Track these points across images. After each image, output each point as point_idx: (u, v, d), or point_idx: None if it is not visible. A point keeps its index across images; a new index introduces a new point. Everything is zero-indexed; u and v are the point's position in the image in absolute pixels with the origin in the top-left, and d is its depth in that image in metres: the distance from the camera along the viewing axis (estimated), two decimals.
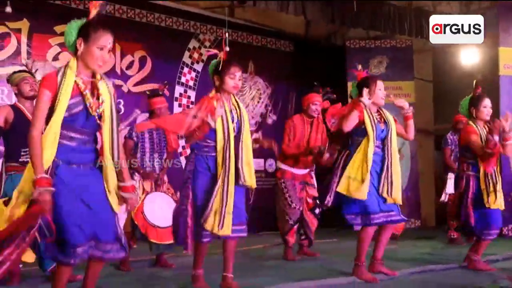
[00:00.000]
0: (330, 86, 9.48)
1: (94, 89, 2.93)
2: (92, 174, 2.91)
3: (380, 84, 4.50)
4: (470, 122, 4.98)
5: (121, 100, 7.62)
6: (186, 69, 8.62)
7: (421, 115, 9.73)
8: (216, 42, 8.89)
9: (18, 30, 6.94)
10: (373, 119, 4.36)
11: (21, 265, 4.28)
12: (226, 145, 3.74)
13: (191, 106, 8.58)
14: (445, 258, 5.60)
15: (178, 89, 8.51)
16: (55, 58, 7.11)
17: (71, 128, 2.85)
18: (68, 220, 2.75)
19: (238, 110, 3.94)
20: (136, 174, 5.18)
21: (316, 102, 5.72)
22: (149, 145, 5.33)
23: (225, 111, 3.81)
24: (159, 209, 5.04)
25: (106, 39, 2.89)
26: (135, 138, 5.30)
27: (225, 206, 3.67)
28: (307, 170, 5.75)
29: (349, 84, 9.42)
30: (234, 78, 3.84)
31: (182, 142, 8.38)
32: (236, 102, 3.99)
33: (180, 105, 8.47)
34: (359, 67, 4.83)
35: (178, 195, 5.52)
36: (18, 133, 4.30)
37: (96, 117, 2.89)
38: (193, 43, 8.73)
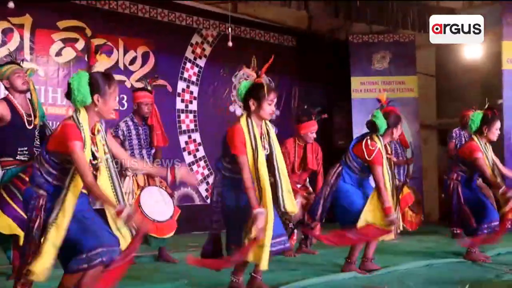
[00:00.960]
0: (333, 81, 9.59)
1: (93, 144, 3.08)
2: None
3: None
4: (475, 139, 5.15)
5: (124, 96, 7.62)
6: (189, 64, 8.62)
7: (424, 110, 9.73)
8: (219, 37, 8.88)
9: (21, 26, 6.93)
10: None
11: None
12: (257, 174, 3.66)
13: (193, 101, 8.59)
14: (448, 253, 5.60)
15: (181, 85, 8.50)
16: (58, 54, 7.11)
17: None
18: None
19: (267, 136, 3.84)
20: (129, 170, 5.15)
21: (314, 130, 5.81)
22: (136, 142, 5.30)
23: (255, 137, 3.71)
24: (156, 203, 5.03)
25: (117, 89, 3.10)
26: (121, 136, 5.25)
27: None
28: (299, 186, 5.89)
29: (352, 79, 9.44)
30: (272, 104, 3.75)
31: (184, 137, 8.41)
32: (267, 128, 3.87)
33: (182, 101, 8.47)
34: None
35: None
36: (11, 128, 4.29)
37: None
38: (195, 38, 8.72)
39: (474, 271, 4.57)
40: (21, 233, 3.87)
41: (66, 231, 2.91)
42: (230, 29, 8.04)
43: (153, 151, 5.43)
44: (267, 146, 3.80)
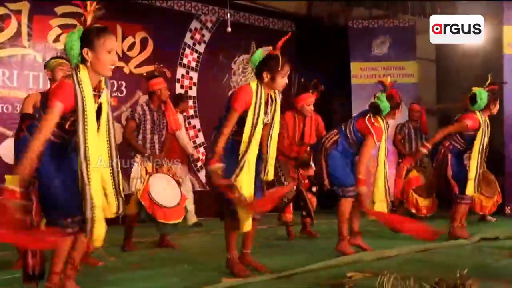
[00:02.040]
0: (332, 66, 9.54)
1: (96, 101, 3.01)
2: None
3: None
4: (477, 113, 5.39)
5: (123, 82, 7.59)
6: (188, 50, 8.58)
7: (424, 95, 9.69)
8: (218, 23, 8.83)
9: (19, 12, 6.89)
10: None
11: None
12: (250, 138, 3.72)
13: (193, 87, 8.57)
14: (447, 237, 5.62)
15: (180, 71, 8.47)
16: (56, 40, 7.07)
17: None
18: None
19: (274, 105, 3.90)
20: (137, 155, 5.21)
21: (310, 103, 5.78)
22: (150, 126, 5.35)
23: (261, 102, 3.76)
24: (163, 190, 5.06)
25: (112, 42, 2.97)
26: (137, 119, 5.32)
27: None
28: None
29: (352, 64, 9.40)
30: (285, 77, 3.79)
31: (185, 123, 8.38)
32: (274, 96, 3.92)
33: (182, 87, 8.45)
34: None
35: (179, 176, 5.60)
36: None
37: None
38: (194, 24, 8.68)
39: (473, 256, 4.58)
40: None
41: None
42: (229, 14, 7.98)
43: (163, 138, 5.46)
44: (270, 113, 3.88)
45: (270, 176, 3.90)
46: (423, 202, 7.18)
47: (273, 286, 3.45)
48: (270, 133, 3.89)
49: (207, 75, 8.77)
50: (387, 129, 4.80)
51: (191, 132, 8.47)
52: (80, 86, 2.87)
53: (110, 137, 3.03)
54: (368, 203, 4.71)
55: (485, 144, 5.43)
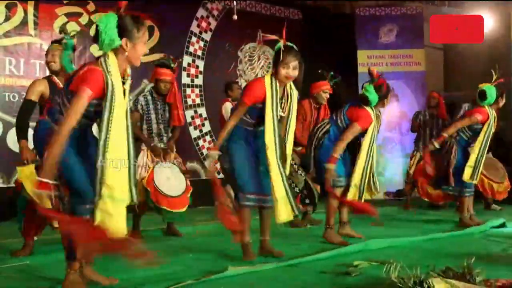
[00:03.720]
0: (339, 54, 9.50)
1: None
2: None
3: None
4: (487, 107, 5.53)
5: (129, 70, 7.57)
6: (194, 39, 8.56)
7: (431, 83, 9.64)
8: (224, 11, 8.79)
9: (25, 0, 6.89)
10: None
11: (36, 237, 4.31)
12: (274, 130, 3.77)
13: (199, 76, 8.55)
14: (454, 226, 5.62)
15: (186, 59, 8.45)
16: (62, 29, 7.04)
17: None
18: None
19: (289, 100, 3.93)
20: (143, 144, 5.19)
21: (326, 90, 5.86)
22: (154, 116, 5.31)
23: (277, 95, 3.81)
24: (167, 179, 5.05)
25: (147, 34, 3.03)
26: (140, 110, 5.27)
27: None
28: None
29: (359, 52, 9.35)
30: (288, 68, 3.79)
31: (190, 112, 8.38)
32: (290, 91, 3.94)
33: (188, 75, 8.43)
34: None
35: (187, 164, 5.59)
36: None
37: None
38: (201, 12, 8.65)
39: (480, 244, 4.57)
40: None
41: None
42: (235, 2, 7.96)
43: (170, 128, 5.44)
44: (285, 108, 3.92)
45: (286, 170, 3.93)
46: (434, 191, 7.18)
47: (280, 274, 3.45)
48: (287, 128, 3.93)
49: (213, 64, 8.75)
50: (379, 117, 4.86)
51: (198, 121, 8.47)
52: (110, 73, 2.85)
53: (128, 123, 3.03)
54: (330, 182, 4.62)
55: (490, 135, 5.56)
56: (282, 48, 3.82)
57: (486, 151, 5.61)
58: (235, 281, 3.26)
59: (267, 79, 3.83)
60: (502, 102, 5.67)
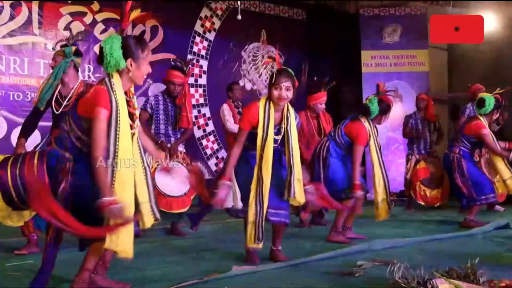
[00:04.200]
0: (343, 54, 9.50)
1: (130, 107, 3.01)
2: None
3: None
4: (481, 118, 5.61)
5: None
6: (198, 38, 8.56)
7: (435, 84, 9.63)
8: (228, 10, 8.80)
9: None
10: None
11: (35, 236, 4.32)
12: (261, 153, 3.80)
13: (203, 75, 8.55)
14: (458, 227, 5.61)
15: (190, 58, 8.45)
16: (66, 28, 7.07)
17: None
18: None
19: (286, 122, 3.90)
20: None
21: (323, 101, 5.95)
22: (163, 117, 5.35)
23: (269, 119, 3.82)
24: (170, 179, 5.04)
25: (150, 53, 3.03)
26: (149, 110, 5.31)
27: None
28: None
29: (363, 52, 9.34)
30: (280, 89, 3.80)
31: (193, 112, 8.39)
32: (288, 114, 3.93)
33: (192, 75, 8.43)
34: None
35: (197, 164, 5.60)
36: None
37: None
38: (205, 12, 8.65)
39: (484, 245, 4.56)
40: None
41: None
42: (239, 2, 7.96)
43: (181, 130, 5.46)
44: (283, 131, 3.90)
45: (298, 197, 3.85)
46: (431, 193, 7.19)
47: (283, 274, 3.45)
48: (290, 152, 3.86)
49: (217, 63, 8.75)
50: (375, 131, 4.97)
51: (201, 121, 8.48)
52: (114, 92, 2.86)
53: (139, 142, 3.07)
54: (360, 206, 4.87)
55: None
56: (275, 71, 3.88)
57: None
58: (238, 281, 3.26)
59: (262, 102, 3.88)
60: (495, 116, 5.73)
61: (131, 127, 2.93)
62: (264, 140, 3.78)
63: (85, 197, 2.81)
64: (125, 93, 2.97)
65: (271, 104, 3.84)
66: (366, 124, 4.84)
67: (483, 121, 5.60)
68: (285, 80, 3.80)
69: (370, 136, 4.83)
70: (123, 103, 2.88)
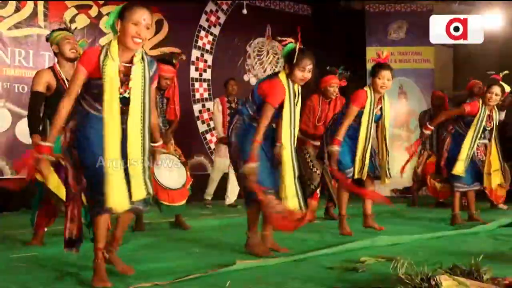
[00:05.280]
0: (348, 51, 9.48)
1: (126, 74, 2.98)
2: None
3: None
4: (480, 101, 5.62)
5: None
6: (203, 33, 8.56)
7: (440, 81, 9.61)
8: (233, 5, 8.79)
9: None
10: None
11: (46, 229, 4.33)
12: (292, 125, 3.84)
13: (207, 70, 8.55)
14: (461, 225, 5.60)
15: (195, 53, 8.46)
16: (72, 21, 7.08)
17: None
18: None
19: (299, 98, 3.95)
20: None
21: (333, 84, 5.89)
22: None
23: (294, 96, 3.87)
24: (168, 171, 5.05)
25: (140, 15, 2.96)
26: None
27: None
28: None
29: (368, 49, 9.33)
30: (304, 71, 3.82)
31: (198, 106, 8.40)
32: (298, 91, 3.96)
33: (196, 69, 8.44)
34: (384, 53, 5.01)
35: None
36: (57, 97, 4.22)
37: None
38: (210, 6, 8.64)
39: (487, 243, 4.55)
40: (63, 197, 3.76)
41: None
42: None
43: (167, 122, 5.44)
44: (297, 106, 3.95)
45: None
46: (441, 187, 7.22)
47: (287, 268, 3.45)
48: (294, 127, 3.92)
49: (222, 58, 8.74)
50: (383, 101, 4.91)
51: (205, 115, 8.47)
52: (106, 55, 2.90)
53: (144, 122, 2.99)
54: (335, 163, 4.75)
55: (480, 129, 5.57)
56: (297, 51, 3.83)
57: (475, 144, 5.63)
58: (242, 275, 3.26)
59: (284, 79, 3.86)
60: (488, 95, 5.53)
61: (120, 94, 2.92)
62: (293, 117, 3.82)
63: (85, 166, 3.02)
64: (130, 61, 2.97)
65: (290, 82, 3.86)
66: (369, 92, 4.78)
67: (479, 102, 5.56)
68: (310, 63, 3.82)
69: (368, 102, 4.73)
70: (112, 69, 2.89)
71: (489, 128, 5.71)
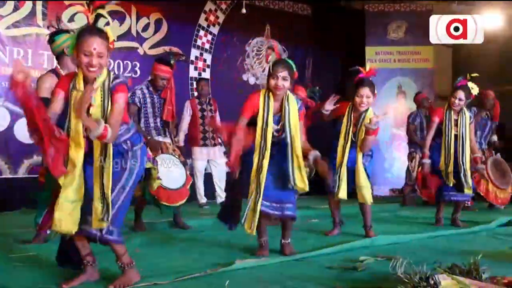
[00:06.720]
0: (347, 50, 9.48)
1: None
2: None
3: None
4: (445, 106, 5.60)
5: (137, 63, 7.60)
6: (202, 32, 8.55)
7: (439, 81, 9.62)
8: (232, 4, 8.78)
9: None
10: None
11: (48, 231, 4.33)
12: (262, 143, 3.83)
13: (207, 69, 8.55)
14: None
15: (194, 52, 8.46)
16: (71, 20, 7.08)
17: None
18: None
19: (283, 112, 3.90)
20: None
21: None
22: (151, 110, 5.28)
23: (268, 110, 3.86)
24: (168, 171, 5.04)
25: (89, 44, 2.87)
26: (138, 103, 5.23)
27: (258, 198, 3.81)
28: None
29: (367, 48, 9.33)
30: (277, 78, 3.83)
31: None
32: (286, 103, 3.93)
33: (196, 68, 8.44)
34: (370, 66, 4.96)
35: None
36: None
37: None
38: (209, 6, 8.64)
39: (486, 242, 4.56)
40: None
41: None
42: None
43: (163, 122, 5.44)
44: (281, 122, 3.90)
45: (300, 184, 3.87)
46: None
47: (286, 268, 3.46)
48: (290, 142, 3.88)
49: (221, 57, 8.75)
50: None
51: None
52: (74, 84, 2.95)
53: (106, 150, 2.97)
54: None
55: (450, 135, 5.46)
56: (272, 61, 3.90)
57: (452, 151, 5.43)
58: (241, 274, 3.26)
59: (262, 92, 3.93)
60: (452, 99, 5.49)
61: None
62: (264, 129, 3.83)
63: None
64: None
65: (271, 95, 3.88)
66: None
67: (444, 109, 5.56)
68: (282, 70, 3.82)
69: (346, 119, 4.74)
70: (74, 99, 2.91)
71: (455, 133, 5.47)
